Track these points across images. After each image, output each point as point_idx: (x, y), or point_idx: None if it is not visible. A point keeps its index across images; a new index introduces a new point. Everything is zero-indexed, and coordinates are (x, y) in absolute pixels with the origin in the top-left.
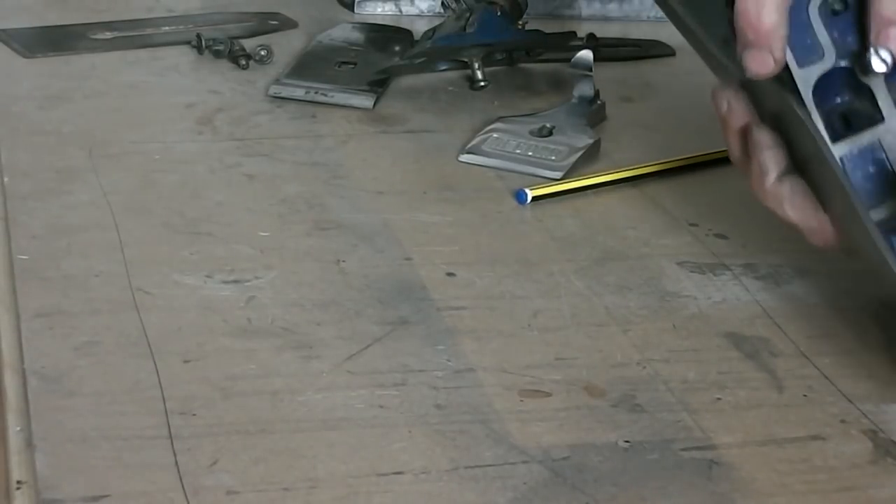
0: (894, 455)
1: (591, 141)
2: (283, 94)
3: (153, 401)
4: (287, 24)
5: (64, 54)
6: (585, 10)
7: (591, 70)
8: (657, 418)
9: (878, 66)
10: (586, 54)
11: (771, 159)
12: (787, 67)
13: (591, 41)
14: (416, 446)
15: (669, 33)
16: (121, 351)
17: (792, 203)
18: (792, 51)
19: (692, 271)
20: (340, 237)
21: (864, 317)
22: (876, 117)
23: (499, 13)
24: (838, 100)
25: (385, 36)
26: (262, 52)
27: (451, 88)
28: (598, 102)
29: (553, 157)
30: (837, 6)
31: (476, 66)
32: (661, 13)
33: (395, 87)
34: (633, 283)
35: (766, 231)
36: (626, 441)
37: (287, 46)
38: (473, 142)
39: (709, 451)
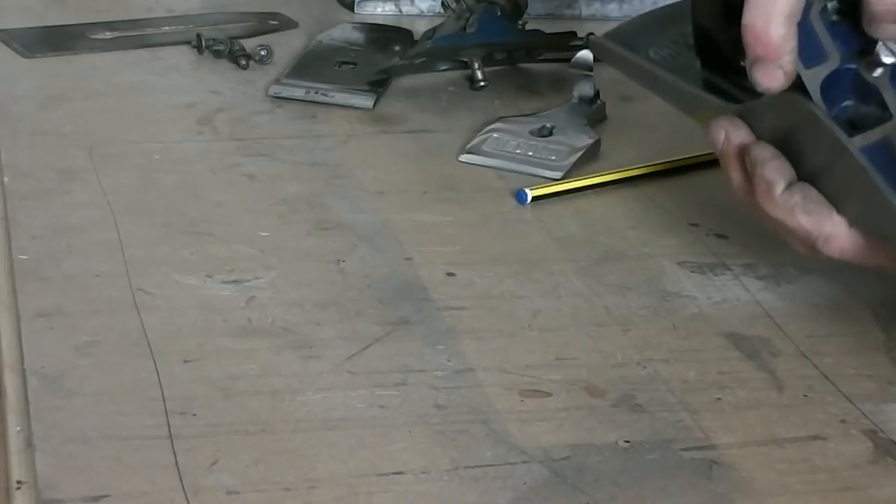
0: (894, 455)
1: (591, 141)
2: (283, 94)
3: (153, 401)
4: (287, 24)
5: (64, 54)
6: (585, 10)
7: (591, 70)
8: (657, 418)
9: (888, 57)
10: (586, 54)
11: (776, 170)
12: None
13: None
14: (416, 446)
15: None
16: (121, 351)
17: (805, 209)
18: (798, 56)
19: (692, 271)
20: (341, 237)
21: (865, 317)
22: (884, 116)
23: (499, 13)
24: (845, 103)
25: (385, 36)
26: (262, 52)
27: (451, 88)
28: (598, 102)
29: (553, 157)
30: (834, 17)
31: (476, 66)
32: None
33: (395, 87)
34: (634, 283)
35: (766, 231)
36: (626, 441)
37: (287, 46)
38: (473, 142)
39: (709, 451)
